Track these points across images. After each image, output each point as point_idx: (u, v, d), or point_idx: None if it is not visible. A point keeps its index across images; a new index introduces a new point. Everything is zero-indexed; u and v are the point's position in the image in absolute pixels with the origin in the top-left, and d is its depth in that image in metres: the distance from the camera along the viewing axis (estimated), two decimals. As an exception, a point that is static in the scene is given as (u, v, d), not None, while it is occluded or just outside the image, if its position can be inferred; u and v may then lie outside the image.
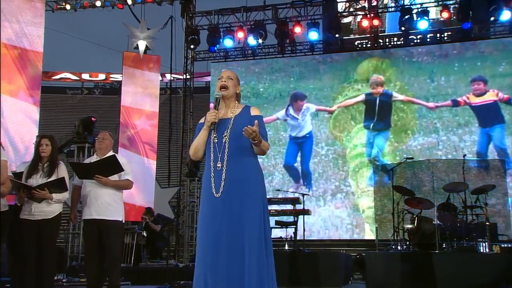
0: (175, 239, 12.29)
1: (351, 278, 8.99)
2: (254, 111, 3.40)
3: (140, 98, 11.46)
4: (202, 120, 3.48)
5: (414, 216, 8.21)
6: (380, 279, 7.56)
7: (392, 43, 14.11)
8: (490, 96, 12.14)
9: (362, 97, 12.92)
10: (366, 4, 13.87)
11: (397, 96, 12.70)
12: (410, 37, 13.27)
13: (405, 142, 12.40)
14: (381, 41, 14.11)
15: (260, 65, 13.85)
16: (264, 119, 3.52)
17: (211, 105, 13.35)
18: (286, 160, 13.11)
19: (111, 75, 37.65)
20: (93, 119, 10.35)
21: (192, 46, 13.37)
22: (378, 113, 12.70)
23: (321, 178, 12.82)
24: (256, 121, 3.22)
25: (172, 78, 15.29)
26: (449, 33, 13.57)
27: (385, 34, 14.43)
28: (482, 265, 7.03)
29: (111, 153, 5.40)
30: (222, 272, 3.05)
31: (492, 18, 11.96)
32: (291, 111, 13.25)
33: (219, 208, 3.17)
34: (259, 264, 3.08)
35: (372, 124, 12.72)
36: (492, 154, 11.82)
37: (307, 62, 13.66)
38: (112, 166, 5.14)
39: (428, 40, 13.30)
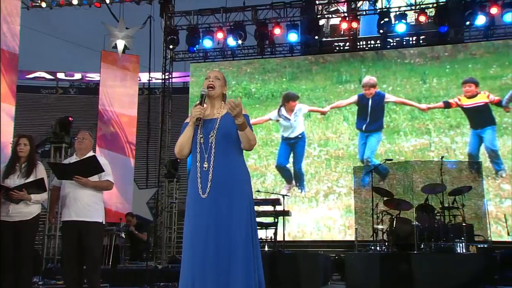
0: (153, 241, 12.18)
1: (330, 279, 9.02)
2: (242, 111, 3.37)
3: (119, 98, 11.33)
4: (187, 120, 3.44)
5: (393, 217, 8.29)
6: (360, 280, 7.62)
7: (369, 45, 14.15)
8: (481, 98, 12.28)
9: (354, 98, 12.94)
10: (345, 7, 13.98)
11: (390, 97, 12.76)
12: (387, 39, 13.40)
13: (398, 144, 12.46)
14: (359, 43, 14.17)
15: (252, 65, 13.77)
16: (256, 120, 3.52)
17: (197, 106, 13.28)
18: (279, 161, 13.06)
19: (88, 75, 37.17)
20: (70, 119, 10.18)
21: (171, 46, 13.27)
22: (371, 114, 12.74)
23: (313, 179, 12.78)
24: (239, 98, 3.19)
25: (150, 78, 15.12)
26: (424, 36, 13.71)
27: (363, 36, 14.49)
28: (459, 266, 7.13)
29: (91, 153, 5.32)
30: (211, 274, 3.02)
31: (467, 23, 12.15)
32: (283, 111, 13.18)
33: (206, 209, 3.13)
34: (246, 266, 3.06)
35: (364, 125, 12.75)
36: (483, 155, 11.95)
37: (299, 62, 13.65)
38: (92, 166, 5.05)
39: (404, 43, 13.45)
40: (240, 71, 13.73)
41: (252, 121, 3.43)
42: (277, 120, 13.18)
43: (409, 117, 12.61)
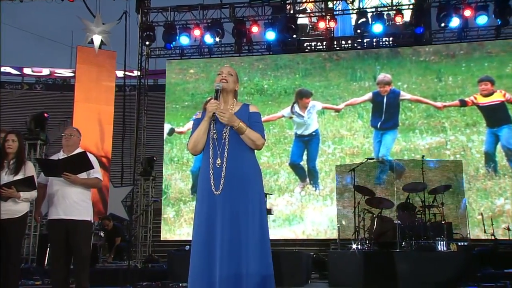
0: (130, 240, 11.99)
1: (310, 278, 9.05)
2: (252, 108, 3.36)
3: (95, 94, 11.11)
4: (198, 115, 3.39)
5: (374, 216, 8.39)
6: (342, 278, 7.66)
7: (347, 45, 14.24)
8: (497, 97, 12.29)
9: (369, 95, 12.81)
10: (314, 7, 14.07)
11: (405, 95, 12.68)
12: (365, 40, 13.54)
13: (413, 142, 12.37)
14: (336, 43, 14.26)
15: (264, 61, 13.52)
16: (269, 116, 3.48)
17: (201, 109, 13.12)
18: (292, 159, 12.82)
19: (57, 71, 36.35)
20: (45, 115, 9.93)
21: (147, 43, 13.09)
22: (386, 112, 12.64)
23: (328, 177, 12.52)
24: (229, 106, 3.23)
25: (123, 75, 14.84)
26: (395, 38, 13.89)
27: (340, 36, 14.60)
28: (440, 263, 7.25)
29: (79, 149, 5.18)
30: (224, 270, 2.98)
31: (442, 24, 12.36)
32: (296, 108, 12.95)
33: (219, 206, 3.10)
34: (261, 263, 3.04)
35: (379, 123, 12.63)
36: (500, 154, 11.98)
37: (312, 59, 13.47)
38: (82, 163, 4.92)
39: (381, 44, 13.61)
40: (252, 67, 13.44)
41: (264, 118, 3.41)
42: (290, 117, 12.94)
43: (425, 115, 12.50)
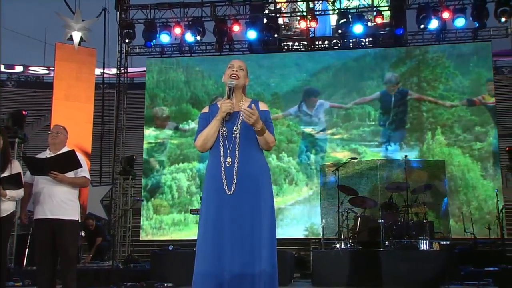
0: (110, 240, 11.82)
1: (293, 277, 9.06)
2: (262, 106, 3.28)
3: (74, 91, 10.92)
4: (205, 110, 3.31)
5: (357, 215, 8.45)
6: (325, 277, 7.70)
7: (329, 45, 14.26)
8: None
9: (377, 94, 12.78)
10: (288, 7, 14.11)
11: (413, 94, 12.67)
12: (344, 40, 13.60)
13: (422, 141, 12.36)
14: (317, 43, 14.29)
15: (271, 59, 13.40)
16: (276, 115, 3.42)
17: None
18: (300, 157, 12.77)
19: (31, 68, 35.61)
20: (24, 112, 9.72)
21: (127, 40, 12.92)
22: (394, 111, 12.64)
23: (334, 174, 12.46)
24: (253, 105, 3.10)
25: (101, 73, 14.61)
26: (375, 39, 13.98)
27: (322, 36, 14.63)
28: (423, 262, 7.34)
29: (66, 148, 5.09)
30: (236, 269, 2.95)
31: (422, 26, 12.51)
32: (304, 107, 12.89)
33: (230, 206, 3.05)
34: (270, 262, 3.03)
35: (387, 122, 12.63)
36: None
37: (320, 58, 13.44)
38: (70, 162, 4.84)
39: (362, 44, 13.71)
40: (258, 65, 13.25)
41: (272, 116, 3.36)
42: (298, 116, 12.88)
43: (433, 114, 12.48)
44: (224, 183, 3.09)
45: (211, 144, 3.20)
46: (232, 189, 3.07)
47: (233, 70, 3.27)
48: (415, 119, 12.57)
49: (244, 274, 2.96)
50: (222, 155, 3.14)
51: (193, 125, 13.13)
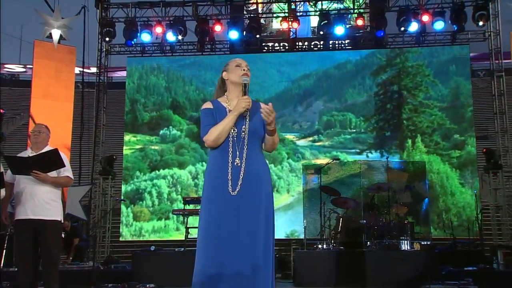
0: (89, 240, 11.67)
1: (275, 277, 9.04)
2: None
3: (53, 90, 10.76)
4: (208, 106, 3.25)
5: (339, 216, 8.49)
6: (307, 277, 7.72)
7: (308, 46, 14.30)
8: None
9: (370, 96, 12.87)
10: (260, 8, 14.13)
11: (393, 102, 12.76)
12: (324, 41, 13.68)
13: (402, 148, 12.37)
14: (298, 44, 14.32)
15: (253, 65, 13.20)
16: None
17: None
18: (281, 164, 12.69)
19: (5, 66, 35.00)
20: (1, 111, 9.52)
21: (107, 39, 12.75)
22: (375, 118, 12.69)
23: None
24: (270, 103, 3.09)
25: (80, 72, 14.39)
26: (355, 41, 14.09)
27: (303, 37, 14.64)
28: (404, 262, 7.42)
29: (48, 147, 5.01)
30: (239, 271, 2.94)
31: (402, 29, 12.62)
32: (286, 113, 12.92)
33: (234, 206, 3.03)
34: (271, 263, 3.04)
35: (368, 130, 12.67)
36: None
37: (302, 64, 13.39)
38: (53, 161, 4.77)
39: (344, 45, 13.79)
40: (254, 64, 12.96)
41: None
42: (279, 123, 12.78)
43: (413, 122, 12.55)
44: (229, 183, 3.06)
45: (223, 140, 3.14)
46: (236, 190, 3.06)
47: (243, 69, 3.27)
48: (396, 126, 12.70)
49: (245, 275, 2.95)
50: (230, 155, 3.11)
51: (174, 131, 13.05)
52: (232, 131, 3.14)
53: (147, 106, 13.28)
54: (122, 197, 12.40)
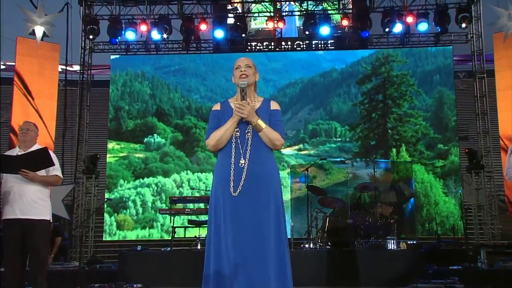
0: (71, 240, 11.53)
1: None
2: (274, 105, 3.27)
3: (36, 88, 10.59)
4: (217, 107, 3.25)
5: (326, 215, 8.51)
6: (294, 277, 7.68)
7: (291, 46, 14.28)
8: None
9: (355, 105, 12.89)
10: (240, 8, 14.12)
11: (378, 111, 12.78)
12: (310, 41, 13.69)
13: (387, 158, 12.25)
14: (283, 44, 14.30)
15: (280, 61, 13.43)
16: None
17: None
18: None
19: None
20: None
21: (91, 37, 12.60)
22: (360, 127, 12.72)
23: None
24: (248, 99, 3.10)
25: (62, 70, 14.18)
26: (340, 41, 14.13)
27: (289, 37, 14.59)
28: (391, 261, 7.47)
29: (37, 145, 4.94)
30: (247, 270, 2.92)
31: (386, 29, 12.72)
32: (284, 116, 12.76)
33: (237, 207, 3.04)
34: (281, 262, 3.03)
35: (354, 139, 12.67)
36: None
37: (287, 72, 13.44)
38: (42, 160, 4.70)
39: (329, 46, 13.82)
40: (225, 69, 13.12)
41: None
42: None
43: (398, 131, 12.61)
44: (231, 184, 3.07)
45: (224, 145, 3.16)
46: (238, 191, 3.06)
47: (241, 71, 3.24)
48: (381, 136, 12.74)
49: (246, 275, 2.94)
50: (233, 156, 3.11)
51: (159, 139, 12.96)
52: (235, 133, 3.15)
53: (131, 114, 13.12)
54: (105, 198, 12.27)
